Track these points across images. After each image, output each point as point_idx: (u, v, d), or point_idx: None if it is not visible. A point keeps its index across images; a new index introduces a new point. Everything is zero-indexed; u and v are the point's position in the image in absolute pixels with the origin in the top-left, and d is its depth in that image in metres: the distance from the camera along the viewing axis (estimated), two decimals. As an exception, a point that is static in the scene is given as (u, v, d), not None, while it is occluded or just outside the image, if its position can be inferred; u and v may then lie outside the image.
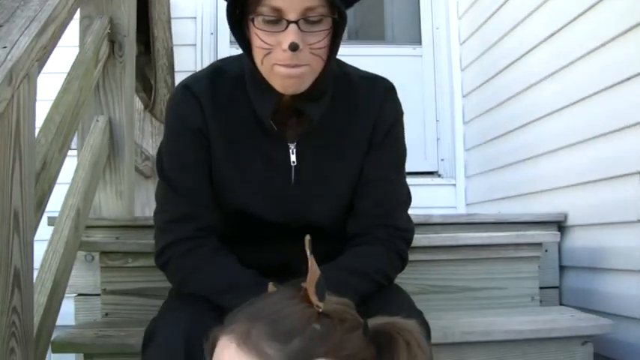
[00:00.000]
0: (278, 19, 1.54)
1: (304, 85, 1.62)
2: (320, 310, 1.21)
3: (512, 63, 3.58)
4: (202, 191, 1.75)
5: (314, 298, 1.21)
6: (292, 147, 1.75)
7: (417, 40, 4.76)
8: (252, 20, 1.57)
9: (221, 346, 1.24)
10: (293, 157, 1.75)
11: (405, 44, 4.76)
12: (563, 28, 2.97)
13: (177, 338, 1.54)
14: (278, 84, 1.62)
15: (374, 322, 1.28)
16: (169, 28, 3.90)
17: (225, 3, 1.63)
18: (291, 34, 1.53)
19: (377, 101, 1.79)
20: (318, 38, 1.57)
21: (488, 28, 3.97)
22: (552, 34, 3.07)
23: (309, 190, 1.77)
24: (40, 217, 1.88)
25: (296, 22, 1.53)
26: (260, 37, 1.57)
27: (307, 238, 1.27)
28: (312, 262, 1.23)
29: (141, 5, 3.00)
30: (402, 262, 1.81)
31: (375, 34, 4.91)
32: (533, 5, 3.26)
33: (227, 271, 1.70)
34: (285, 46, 1.53)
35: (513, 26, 3.55)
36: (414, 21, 4.81)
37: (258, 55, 1.61)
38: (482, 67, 4.11)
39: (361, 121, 1.78)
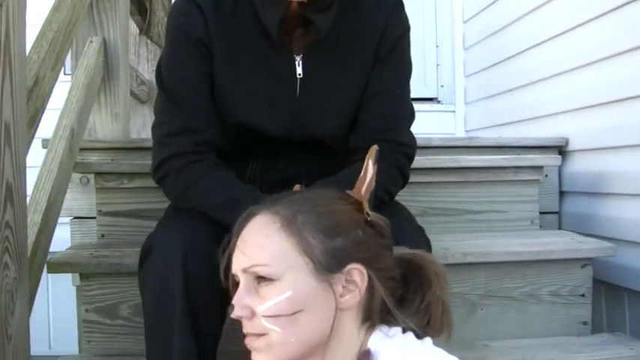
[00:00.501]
0: None
1: None
2: (368, 218, 1.22)
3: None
4: (202, 105, 1.72)
5: (366, 206, 1.24)
6: (298, 59, 1.72)
7: (416, -37, 4.66)
8: None
9: (260, 222, 1.23)
10: (299, 70, 1.72)
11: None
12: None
13: (175, 253, 1.52)
14: None
15: (397, 250, 1.28)
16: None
17: None
18: None
19: (384, 14, 1.76)
20: None
21: (490, -47, 3.89)
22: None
23: (314, 103, 1.75)
24: (33, 135, 1.85)
25: None
26: None
27: (375, 148, 1.28)
28: (372, 172, 1.26)
29: None
30: (404, 178, 1.79)
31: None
32: None
33: (226, 186, 1.66)
34: None
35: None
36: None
37: None
38: (483, -8, 4.03)
39: (367, 33, 1.75)
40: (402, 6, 1.80)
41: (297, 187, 1.38)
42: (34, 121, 1.85)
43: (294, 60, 1.72)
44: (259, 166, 1.77)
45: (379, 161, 1.73)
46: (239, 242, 1.24)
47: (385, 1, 1.77)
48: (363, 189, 1.25)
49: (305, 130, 1.76)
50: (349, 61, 1.75)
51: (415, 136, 1.86)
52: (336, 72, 1.75)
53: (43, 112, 1.93)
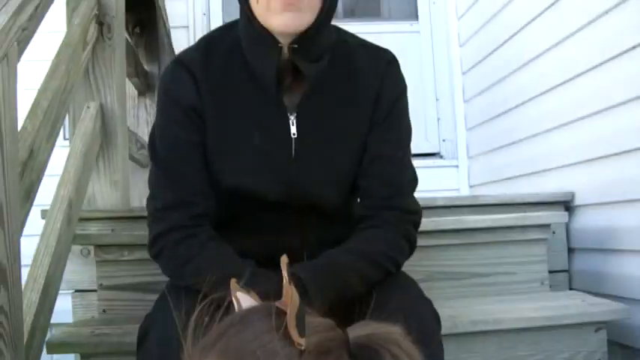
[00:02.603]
0: None
1: (303, 19, 1.55)
2: (302, 347, 1.06)
3: (512, 37, 3.49)
4: (196, 176, 1.67)
5: (294, 334, 1.03)
6: (292, 118, 1.67)
7: (413, 15, 4.64)
8: None
9: None
10: (293, 129, 1.67)
11: (401, 20, 4.64)
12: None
13: (171, 334, 1.46)
14: (276, 20, 1.54)
15: (357, 332, 1.14)
16: (165, 9, 3.81)
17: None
18: None
19: (379, 73, 1.72)
20: None
21: (486, 1, 3.87)
22: (552, 4, 2.99)
23: (310, 164, 1.69)
24: (29, 209, 1.81)
25: None
26: None
27: (284, 259, 1.10)
28: (291, 291, 1.04)
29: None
30: (411, 247, 1.73)
31: (370, 9, 4.79)
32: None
33: (222, 262, 1.61)
34: None
35: (512, -1, 3.46)
36: (409, -5, 4.70)
37: None
38: (481, 43, 4.02)
39: (363, 92, 1.71)
40: (397, 65, 1.76)
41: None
42: (29, 196, 1.81)
43: (287, 119, 1.68)
44: (257, 235, 1.72)
45: (387, 229, 1.69)
46: None
47: (380, 60, 1.74)
48: (288, 313, 1.04)
49: (302, 193, 1.70)
50: (345, 121, 1.71)
51: (419, 195, 1.80)
52: (331, 131, 1.70)
53: (39, 185, 1.88)
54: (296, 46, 1.58)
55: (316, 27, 1.58)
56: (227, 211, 1.73)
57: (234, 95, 1.67)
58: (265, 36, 1.58)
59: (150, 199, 1.72)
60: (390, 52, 1.77)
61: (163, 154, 1.68)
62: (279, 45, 1.58)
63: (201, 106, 1.65)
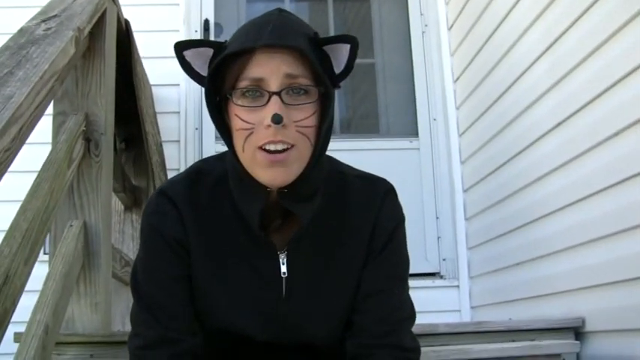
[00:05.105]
0: (259, 92, 1.42)
1: (291, 173, 1.45)
2: None
3: (516, 155, 3.41)
4: (180, 312, 1.57)
5: None
6: (282, 257, 1.58)
7: (413, 132, 4.56)
8: (231, 96, 1.44)
9: None
10: (283, 268, 1.58)
11: (401, 137, 4.55)
12: (572, 115, 2.81)
13: None
14: (262, 175, 1.45)
15: None
16: (157, 123, 3.76)
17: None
18: (273, 106, 1.39)
19: (375, 204, 1.63)
20: (304, 114, 1.43)
21: (489, 118, 3.81)
22: (559, 123, 2.93)
23: (301, 304, 1.59)
24: (2, 337, 1.67)
25: (278, 94, 1.40)
26: (240, 116, 1.43)
27: None
28: None
29: (119, 99, 2.83)
30: None
31: (368, 126, 4.73)
32: (537, 93, 3.12)
33: None
34: (268, 120, 1.38)
35: (516, 115, 3.40)
36: (410, 112, 4.62)
37: (239, 141, 1.45)
38: (483, 160, 3.94)
39: (358, 226, 1.61)
40: (394, 195, 1.67)
41: None
42: (2, 324, 1.67)
43: (277, 257, 1.58)
44: None
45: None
46: None
47: (376, 191, 1.65)
48: None
49: (294, 334, 1.60)
50: (339, 257, 1.61)
51: (419, 317, 1.70)
52: (324, 269, 1.60)
53: (13, 312, 1.75)
54: (285, 190, 1.48)
55: (306, 172, 1.48)
56: (213, 346, 1.63)
57: (220, 231, 1.58)
58: (251, 180, 1.48)
59: (132, 336, 1.62)
60: (387, 182, 1.68)
61: (145, 289, 1.60)
62: (267, 189, 1.48)
63: (186, 239, 1.57)
